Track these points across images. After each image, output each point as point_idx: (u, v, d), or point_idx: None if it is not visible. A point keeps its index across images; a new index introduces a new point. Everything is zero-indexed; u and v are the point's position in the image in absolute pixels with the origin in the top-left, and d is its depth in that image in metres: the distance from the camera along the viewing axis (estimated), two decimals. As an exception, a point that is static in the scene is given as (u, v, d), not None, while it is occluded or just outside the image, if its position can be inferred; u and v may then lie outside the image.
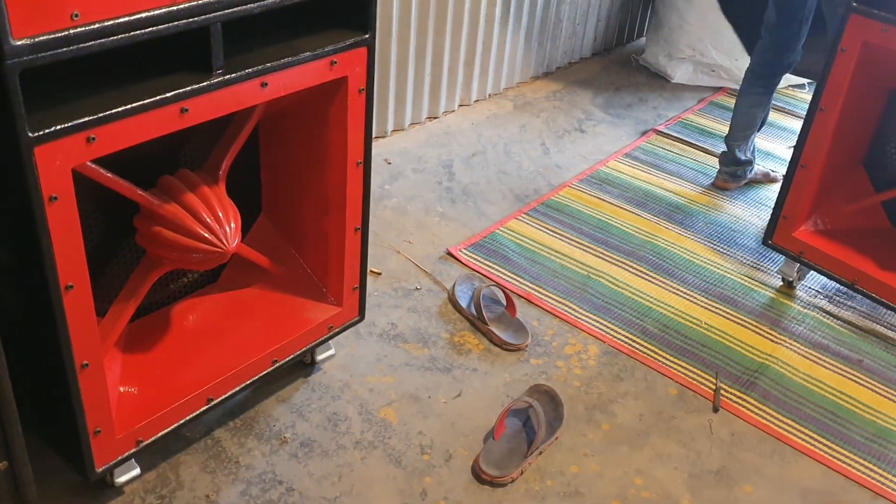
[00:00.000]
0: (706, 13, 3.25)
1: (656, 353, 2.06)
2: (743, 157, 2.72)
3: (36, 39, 1.09)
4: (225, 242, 1.51)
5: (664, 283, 2.31)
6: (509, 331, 2.06)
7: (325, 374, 1.92)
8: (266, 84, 1.41)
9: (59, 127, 1.16)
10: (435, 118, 2.98)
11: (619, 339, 2.09)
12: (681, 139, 3.05)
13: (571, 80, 3.40)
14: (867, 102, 2.13)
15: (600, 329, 2.11)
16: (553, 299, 2.20)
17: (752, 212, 2.66)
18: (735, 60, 3.33)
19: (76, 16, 1.11)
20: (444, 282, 2.22)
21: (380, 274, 2.24)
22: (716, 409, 1.93)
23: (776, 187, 2.78)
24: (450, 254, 2.33)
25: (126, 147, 1.27)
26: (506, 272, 2.28)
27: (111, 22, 1.15)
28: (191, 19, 1.25)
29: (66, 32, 1.11)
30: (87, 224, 1.52)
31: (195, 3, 1.24)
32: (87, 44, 1.14)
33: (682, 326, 2.15)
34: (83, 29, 1.13)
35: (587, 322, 2.13)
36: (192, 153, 1.65)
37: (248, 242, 1.84)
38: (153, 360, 1.64)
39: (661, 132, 3.08)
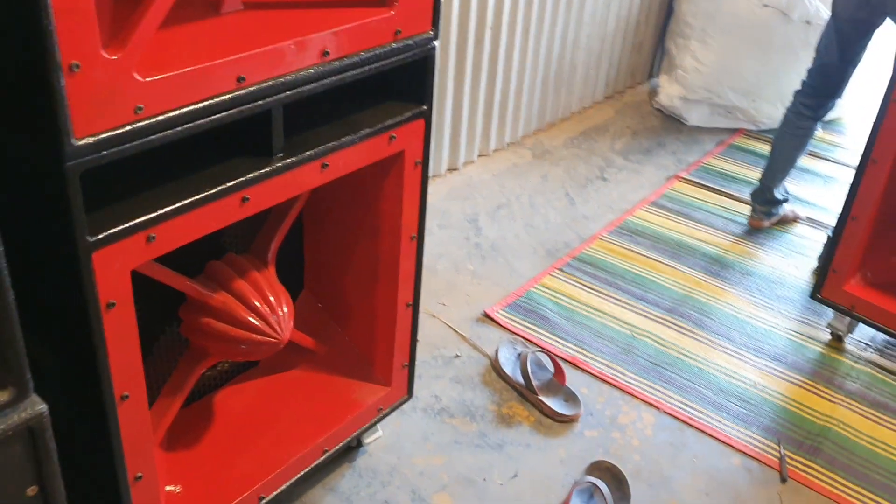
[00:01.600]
0: (725, 55, 3.21)
1: (713, 418, 1.97)
2: (780, 197, 2.67)
3: (99, 137, 0.99)
4: (279, 332, 1.41)
5: (710, 341, 2.22)
6: (560, 400, 1.96)
7: (371, 456, 1.81)
8: (326, 165, 1.32)
9: (118, 228, 1.06)
10: (455, 170, 2.90)
11: (673, 404, 2.00)
12: (704, 185, 2.98)
13: (587, 125, 3.34)
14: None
15: (652, 395, 2.02)
16: (600, 363, 2.11)
17: (789, 261, 2.59)
18: (752, 101, 3.29)
19: (140, 109, 1.02)
20: (485, 347, 2.13)
21: (417, 341, 2.13)
22: (784, 480, 1.84)
23: (806, 233, 2.72)
24: (487, 316, 2.24)
25: (186, 243, 1.17)
26: (547, 334, 2.19)
27: (175, 113, 1.06)
28: (254, 104, 1.16)
29: (130, 127, 1.02)
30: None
31: (257, 86, 1.15)
32: (151, 137, 1.05)
33: (735, 388, 2.07)
34: (147, 122, 1.03)
35: (638, 387, 2.04)
36: (237, 234, 1.55)
37: (289, 321, 1.73)
38: (198, 457, 1.53)
39: (685, 178, 3.02)
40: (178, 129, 1.07)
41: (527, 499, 1.74)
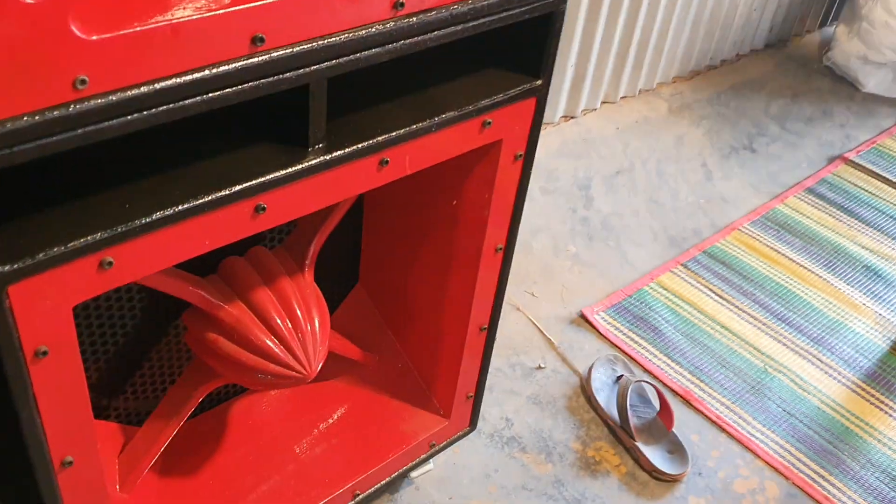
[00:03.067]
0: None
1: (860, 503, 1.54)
2: None
3: (12, 125, 0.62)
4: (304, 366, 1.06)
5: (867, 392, 1.76)
6: (663, 451, 1.56)
7: (417, 491, 1.47)
8: (387, 162, 0.92)
9: (48, 253, 0.70)
10: (572, 118, 2.44)
11: (806, 474, 1.58)
12: (877, 173, 2.44)
13: (739, 79, 2.79)
14: None
15: (782, 457, 1.60)
16: (719, 401, 1.69)
17: (976, 291, 2.07)
18: (951, 73, 2.67)
19: (82, 83, 0.64)
20: (576, 360, 1.73)
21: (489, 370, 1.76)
22: None
23: None
24: (584, 318, 1.83)
25: (164, 268, 0.81)
26: (656, 353, 1.77)
27: (138, 91, 0.68)
28: (277, 78, 0.76)
29: (63, 111, 0.64)
30: (118, 300, 1.09)
31: (284, 51, 0.75)
32: (100, 126, 0.67)
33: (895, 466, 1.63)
34: (92, 104, 0.65)
35: (763, 443, 1.62)
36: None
37: (337, 318, 1.38)
38: (197, 493, 1.21)
39: (853, 161, 2.47)
40: (143, 114, 0.69)
41: (603, 582, 1.37)
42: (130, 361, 1.16)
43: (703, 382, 1.73)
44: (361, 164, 0.90)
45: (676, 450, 1.57)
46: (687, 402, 1.69)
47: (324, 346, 1.09)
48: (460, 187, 1.13)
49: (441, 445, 1.38)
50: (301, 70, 0.78)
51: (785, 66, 2.91)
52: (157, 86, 0.68)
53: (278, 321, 1.05)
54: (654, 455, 1.55)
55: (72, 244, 0.71)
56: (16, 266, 0.69)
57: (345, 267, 1.38)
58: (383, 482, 1.31)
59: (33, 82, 0.62)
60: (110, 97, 0.66)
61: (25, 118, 0.63)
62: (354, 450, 1.30)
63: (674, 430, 1.59)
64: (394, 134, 0.90)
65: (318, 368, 1.07)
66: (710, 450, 1.60)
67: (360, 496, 1.28)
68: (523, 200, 1.14)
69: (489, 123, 1.00)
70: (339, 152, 0.87)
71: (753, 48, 2.93)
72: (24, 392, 0.76)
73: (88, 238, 0.72)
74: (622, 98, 2.57)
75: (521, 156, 1.09)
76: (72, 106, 0.65)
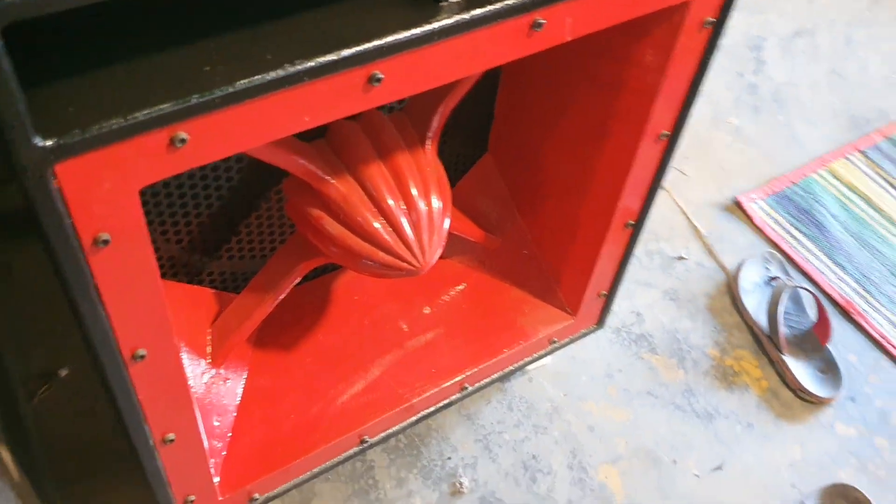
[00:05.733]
0: None
1: None
2: None
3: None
4: (417, 257, 0.91)
5: None
6: (813, 367, 1.37)
7: (530, 383, 1.34)
8: (540, 24, 0.71)
9: (104, 126, 0.55)
10: (750, -37, 2.08)
11: (980, 416, 1.36)
12: None
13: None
14: None
15: (954, 393, 1.38)
16: (886, 318, 1.46)
17: None
18: None
19: None
20: (725, 254, 1.52)
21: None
22: None
23: None
24: (738, 205, 1.60)
25: (247, 149, 0.65)
26: (819, 254, 1.54)
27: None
28: None
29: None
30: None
31: None
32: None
33: None
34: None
35: (934, 374, 1.40)
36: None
37: (460, 191, 1.22)
38: (292, 372, 1.11)
39: None
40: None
41: (726, 510, 1.23)
42: (227, 224, 1.03)
43: (869, 294, 1.50)
44: (507, 26, 0.69)
45: (829, 369, 1.37)
46: (848, 316, 1.47)
47: (441, 234, 0.93)
48: (627, 56, 0.90)
49: (562, 343, 1.23)
50: None
51: None
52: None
53: (391, 202, 0.89)
54: (803, 372, 1.36)
55: (133, 116, 0.56)
56: (63, 141, 0.54)
57: (473, 133, 1.20)
58: (494, 377, 1.18)
59: None
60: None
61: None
62: (466, 340, 1.17)
63: (829, 345, 1.39)
64: (553, -12, 0.69)
65: (433, 260, 0.92)
66: (869, 373, 1.40)
67: (469, 389, 1.16)
68: (702, 80, 0.91)
69: (678, -21, 0.77)
70: (479, 11, 0.66)
71: None
72: (83, 284, 0.64)
73: (155, 109, 0.57)
74: (813, -59, 2.17)
75: (710, 23, 0.85)
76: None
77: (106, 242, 0.62)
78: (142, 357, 0.74)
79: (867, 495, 1.23)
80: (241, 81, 0.59)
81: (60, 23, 0.55)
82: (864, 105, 1.82)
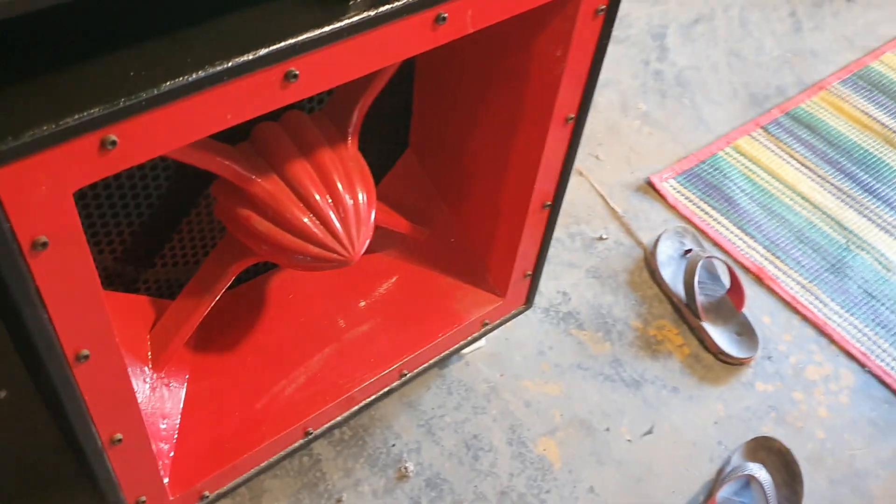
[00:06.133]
0: None
1: (937, 395, 1.44)
2: None
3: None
4: (346, 247, 0.95)
5: (955, 273, 1.62)
6: (730, 332, 1.46)
7: (467, 367, 1.39)
8: (444, 18, 0.77)
9: (36, 133, 0.59)
10: (648, -44, 2.18)
11: (885, 363, 1.46)
12: None
13: (840, -90, 2.47)
14: None
15: (861, 343, 1.48)
16: (795, 281, 1.56)
17: None
18: None
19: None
20: (641, 231, 1.60)
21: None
22: None
23: None
24: (651, 185, 1.69)
25: (175, 148, 0.69)
26: (729, 225, 1.63)
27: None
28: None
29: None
30: (142, 165, 0.98)
31: None
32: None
33: (976, 352, 1.50)
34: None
35: (842, 328, 1.50)
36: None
37: (385, 187, 1.26)
38: (233, 371, 1.15)
39: (964, 11, 2.20)
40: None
41: (658, 469, 1.31)
42: (159, 232, 1.06)
43: (778, 259, 1.60)
44: (413, 21, 0.74)
45: (745, 331, 1.46)
46: (760, 281, 1.56)
47: (368, 224, 0.98)
48: (530, 45, 0.97)
49: (494, 324, 1.29)
50: None
51: None
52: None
53: (317, 196, 0.94)
54: (721, 336, 1.45)
55: (64, 121, 0.59)
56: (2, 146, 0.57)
57: (393, 130, 1.25)
58: (431, 361, 1.23)
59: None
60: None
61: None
62: (402, 328, 1.22)
63: (744, 310, 1.48)
64: (452, -17, 0.75)
65: (363, 250, 0.97)
66: (783, 333, 1.49)
67: (408, 375, 1.21)
68: (601, 64, 0.98)
69: (567, -30, 0.83)
70: (385, 7, 0.71)
71: None
72: (23, 287, 0.66)
73: (85, 114, 0.60)
74: (705, -67, 2.28)
75: (602, 10, 0.92)
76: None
77: (45, 245, 0.65)
78: (85, 357, 0.77)
79: (787, 445, 1.31)
80: (165, 84, 0.63)
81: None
82: (763, 83, 1.93)
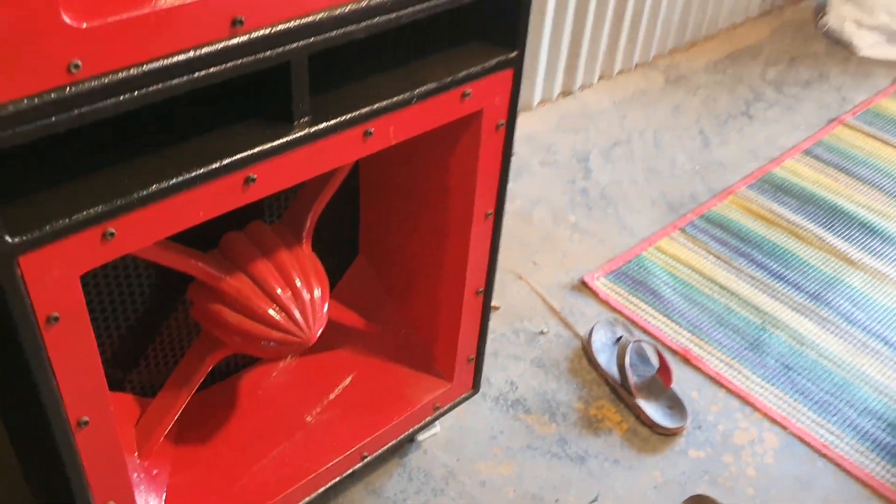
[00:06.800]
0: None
1: (855, 449, 1.58)
2: None
3: (13, 108, 0.68)
4: (304, 330, 1.11)
5: (863, 343, 1.80)
6: (662, 406, 1.61)
7: (425, 454, 1.53)
8: (370, 133, 0.97)
9: (54, 226, 0.77)
10: (569, 94, 2.48)
11: (805, 424, 1.62)
12: (873, 134, 2.46)
13: (736, 46, 2.82)
14: None
15: (780, 409, 1.64)
16: (718, 359, 1.74)
17: (973, 242, 2.09)
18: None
19: (76, 67, 0.70)
20: (578, 324, 1.78)
21: (497, 308, 1.81)
22: (937, 546, 1.46)
23: None
24: (584, 284, 1.88)
25: (163, 238, 0.87)
26: (656, 314, 1.82)
27: (128, 73, 0.73)
28: (257, 56, 0.82)
29: (59, 94, 0.70)
30: (128, 277, 1.15)
31: (264, 31, 0.81)
32: (94, 106, 0.73)
33: (888, 411, 1.66)
34: (86, 86, 0.71)
35: (763, 397, 1.67)
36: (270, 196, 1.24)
37: (340, 290, 1.44)
38: (210, 459, 1.28)
39: (849, 124, 2.50)
40: (134, 94, 0.74)
41: (606, 533, 1.43)
42: (143, 336, 1.22)
43: (701, 341, 1.77)
44: (346, 135, 0.95)
45: (675, 405, 1.62)
46: (686, 360, 1.73)
47: (323, 311, 1.15)
48: (448, 157, 1.18)
49: (445, 408, 1.44)
50: (280, 49, 0.83)
51: (781, 32, 2.93)
52: (145, 67, 0.74)
53: (278, 290, 1.11)
54: (654, 411, 1.60)
55: (75, 217, 0.77)
56: (25, 237, 0.75)
57: (346, 240, 1.44)
58: (390, 444, 1.37)
59: (31, 68, 0.68)
60: (102, 79, 0.72)
61: (25, 101, 0.69)
62: (360, 415, 1.36)
63: (672, 386, 1.64)
64: (376, 106, 0.96)
65: (318, 333, 1.13)
66: (710, 405, 1.65)
67: (369, 457, 1.35)
68: (508, 167, 1.19)
69: (468, 94, 1.05)
70: (323, 124, 0.92)
71: (748, 16, 2.95)
72: (38, 356, 0.82)
73: (91, 211, 0.78)
74: (618, 73, 2.60)
75: (502, 125, 1.14)
76: (67, 88, 0.71)
77: (56, 319, 0.82)
78: (85, 423, 0.91)
79: (719, 501, 1.45)
80: (153, 186, 0.82)
81: (8, 156, 0.77)
82: (678, 193, 2.17)
